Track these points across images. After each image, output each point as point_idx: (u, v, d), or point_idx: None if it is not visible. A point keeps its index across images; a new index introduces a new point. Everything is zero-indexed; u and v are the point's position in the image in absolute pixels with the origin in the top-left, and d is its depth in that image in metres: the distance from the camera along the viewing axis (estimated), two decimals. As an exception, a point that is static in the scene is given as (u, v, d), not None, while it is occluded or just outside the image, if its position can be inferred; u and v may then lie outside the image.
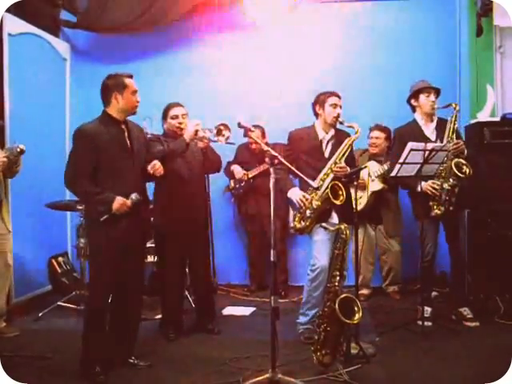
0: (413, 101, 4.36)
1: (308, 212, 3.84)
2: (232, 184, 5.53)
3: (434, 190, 4.08)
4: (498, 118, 4.83)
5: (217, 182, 5.43)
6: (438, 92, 4.32)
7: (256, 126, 5.26)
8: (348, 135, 4.02)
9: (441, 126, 4.25)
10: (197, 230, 4.14)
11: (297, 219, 3.90)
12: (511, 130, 4.64)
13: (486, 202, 4.55)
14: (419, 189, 4.07)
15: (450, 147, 4.05)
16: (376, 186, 4.98)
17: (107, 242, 3.29)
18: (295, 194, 3.88)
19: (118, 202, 3.26)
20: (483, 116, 4.94)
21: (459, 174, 4.00)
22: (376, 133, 5.08)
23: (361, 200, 4.90)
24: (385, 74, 5.57)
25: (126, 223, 3.32)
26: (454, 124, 4.15)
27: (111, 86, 3.37)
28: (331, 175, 3.85)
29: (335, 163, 3.87)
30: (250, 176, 5.38)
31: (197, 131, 3.88)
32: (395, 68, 5.55)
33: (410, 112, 4.42)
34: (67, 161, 3.38)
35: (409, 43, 5.57)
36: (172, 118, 4.09)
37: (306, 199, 3.83)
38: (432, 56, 5.51)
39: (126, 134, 3.43)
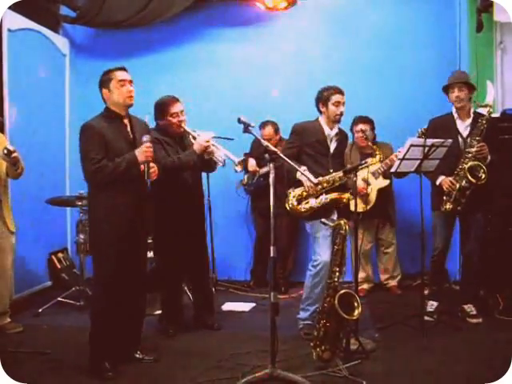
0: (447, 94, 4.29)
1: (312, 201, 3.82)
2: (245, 179, 5.47)
3: (448, 187, 4.09)
4: (498, 114, 4.82)
5: (229, 177, 5.25)
6: (469, 86, 4.18)
7: (268, 122, 5.26)
8: (347, 134, 4.16)
9: (477, 123, 4.11)
10: (196, 227, 4.19)
11: (295, 198, 3.83)
12: (511, 126, 4.63)
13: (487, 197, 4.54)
14: (438, 182, 4.14)
15: (472, 149, 4.02)
16: (382, 182, 5.00)
17: (110, 239, 3.30)
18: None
19: (141, 153, 3.27)
20: (483, 112, 4.92)
21: (470, 178, 3.98)
22: (361, 125, 5.01)
23: (369, 198, 4.92)
24: (384, 70, 5.55)
25: (129, 219, 3.33)
26: (483, 125, 4.05)
27: (101, 82, 3.40)
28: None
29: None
30: (261, 173, 5.29)
31: (207, 147, 3.90)
32: (395, 64, 5.53)
33: (411, 109, 4.40)
34: (82, 157, 3.31)
35: (409, 39, 5.54)
36: (172, 116, 4.00)
37: (313, 188, 3.79)
38: (432, 52, 5.49)
39: (129, 128, 3.44)
